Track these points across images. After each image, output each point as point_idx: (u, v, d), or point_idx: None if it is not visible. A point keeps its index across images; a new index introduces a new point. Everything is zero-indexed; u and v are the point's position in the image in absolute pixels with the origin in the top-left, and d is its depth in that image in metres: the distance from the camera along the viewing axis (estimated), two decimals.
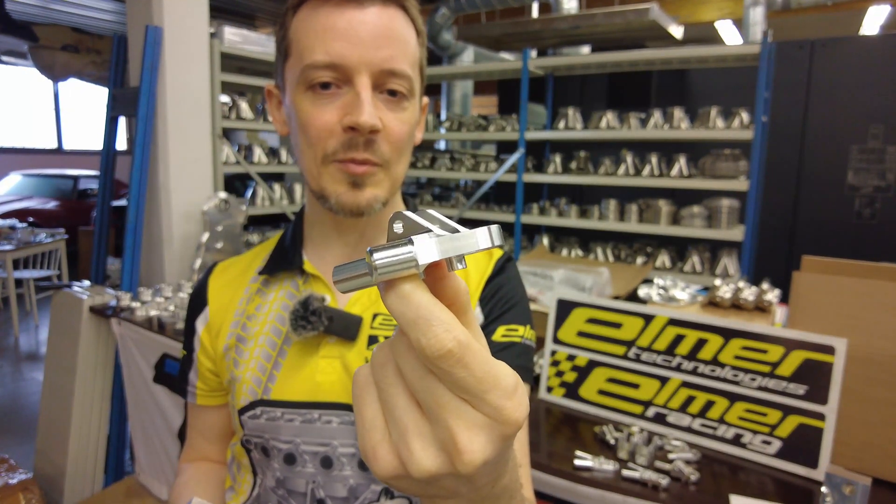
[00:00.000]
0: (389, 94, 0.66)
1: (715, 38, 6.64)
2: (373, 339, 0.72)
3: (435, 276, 0.30)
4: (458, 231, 0.27)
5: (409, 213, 0.28)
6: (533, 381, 1.45)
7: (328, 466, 0.69)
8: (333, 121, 0.64)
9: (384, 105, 0.66)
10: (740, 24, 4.46)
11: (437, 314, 0.27)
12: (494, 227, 0.27)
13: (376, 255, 0.26)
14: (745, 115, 3.00)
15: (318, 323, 0.69)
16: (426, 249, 0.26)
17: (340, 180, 0.66)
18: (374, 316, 0.73)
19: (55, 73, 5.76)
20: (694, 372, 1.18)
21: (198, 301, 0.82)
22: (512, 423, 0.28)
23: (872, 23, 6.07)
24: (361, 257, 0.28)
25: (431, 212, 0.29)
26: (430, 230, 0.27)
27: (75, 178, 8.06)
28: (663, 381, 1.21)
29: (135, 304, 2.10)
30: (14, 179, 8.18)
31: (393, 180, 0.70)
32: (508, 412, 0.27)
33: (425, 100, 0.76)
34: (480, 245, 0.27)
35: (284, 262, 0.77)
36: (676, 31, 3.82)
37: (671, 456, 1.11)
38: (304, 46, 0.64)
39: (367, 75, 0.63)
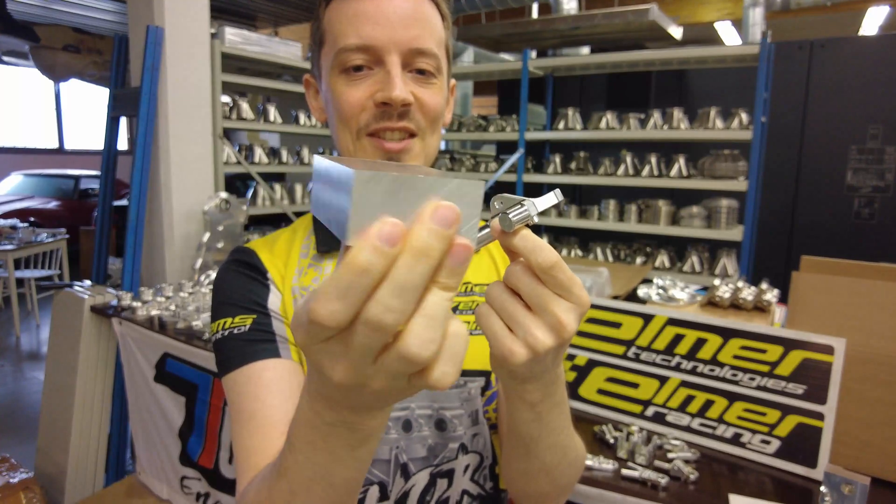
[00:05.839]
0: (418, 72, 0.69)
1: (714, 39, 6.65)
2: None
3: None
4: (532, 200, 0.42)
5: (506, 194, 0.42)
6: None
7: (408, 429, 0.72)
8: (366, 96, 0.67)
9: (414, 82, 0.69)
10: (739, 24, 4.46)
11: (545, 243, 0.40)
12: (557, 190, 0.43)
13: (512, 215, 0.41)
14: (744, 116, 3.00)
15: None
16: (534, 209, 0.41)
17: (375, 157, 0.69)
18: None
19: (56, 74, 5.76)
20: (693, 371, 1.19)
21: (252, 270, 0.75)
22: (587, 305, 0.42)
23: (871, 23, 6.08)
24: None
25: (505, 195, 0.43)
26: (524, 198, 0.41)
27: (76, 178, 8.06)
28: (662, 380, 1.22)
29: (136, 304, 2.10)
30: (15, 179, 8.17)
31: (427, 154, 0.72)
32: (586, 298, 0.41)
33: (453, 81, 0.78)
34: (554, 201, 0.42)
35: (335, 240, 0.77)
36: (676, 32, 3.82)
37: (670, 455, 1.11)
38: (338, 32, 0.68)
39: (396, 54, 0.67)
